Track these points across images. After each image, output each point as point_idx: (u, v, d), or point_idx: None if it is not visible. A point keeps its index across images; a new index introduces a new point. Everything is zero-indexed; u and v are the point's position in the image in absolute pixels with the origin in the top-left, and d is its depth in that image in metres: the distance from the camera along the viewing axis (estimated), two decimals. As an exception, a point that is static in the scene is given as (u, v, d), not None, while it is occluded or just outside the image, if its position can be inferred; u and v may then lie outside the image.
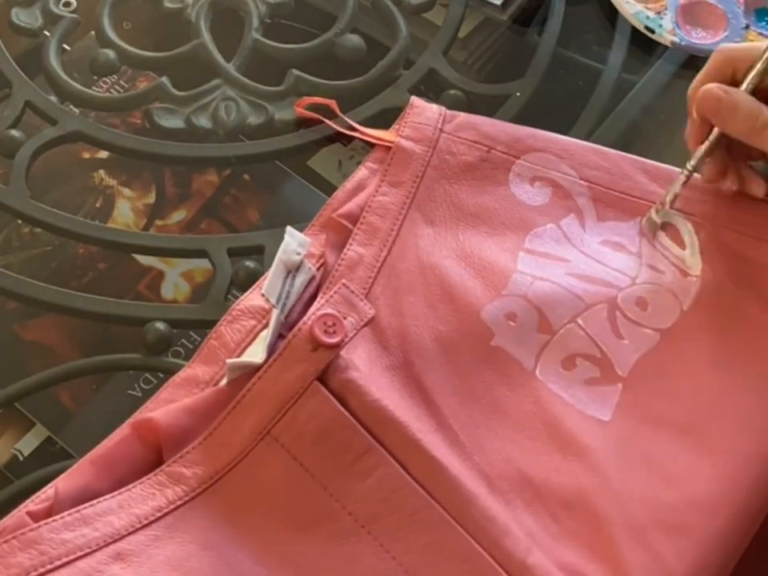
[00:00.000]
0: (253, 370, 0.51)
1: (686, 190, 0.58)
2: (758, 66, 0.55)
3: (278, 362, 0.51)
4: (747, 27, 0.69)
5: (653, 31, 0.69)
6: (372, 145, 0.62)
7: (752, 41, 0.69)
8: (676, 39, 0.69)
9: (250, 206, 0.65)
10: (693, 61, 0.69)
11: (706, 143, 0.57)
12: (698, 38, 0.69)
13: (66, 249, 0.63)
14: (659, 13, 0.70)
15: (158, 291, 0.61)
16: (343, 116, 0.65)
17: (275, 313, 0.52)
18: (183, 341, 0.59)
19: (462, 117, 0.62)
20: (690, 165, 0.58)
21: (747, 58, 0.56)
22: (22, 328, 0.60)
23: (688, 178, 0.58)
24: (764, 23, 0.70)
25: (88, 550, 0.47)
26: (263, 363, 0.51)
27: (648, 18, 0.70)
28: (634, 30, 0.70)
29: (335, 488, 0.50)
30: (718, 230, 0.58)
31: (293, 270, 0.54)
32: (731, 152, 0.58)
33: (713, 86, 0.56)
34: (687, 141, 0.59)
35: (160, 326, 0.59)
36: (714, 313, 0.56)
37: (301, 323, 0.52)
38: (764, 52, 0.55)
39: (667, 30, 0.69)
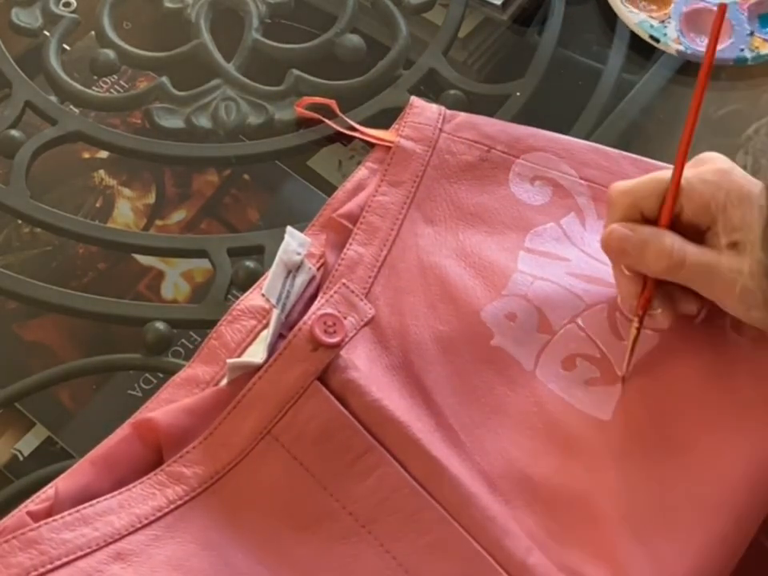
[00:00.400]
0: (253, 369, 0.51)
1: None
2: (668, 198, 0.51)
3: (278, 361, 0.51)
4: (752, 33, 0.69)
5: (657, 40, 0.68)
6: (372, 145, 0.62)
7: (757, 47, 0.68)
8: (681, 48, 0.68)
9: (250, 206, 0.65)
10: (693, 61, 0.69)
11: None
12: (704, 45, 0.69)
13: (66, 249, 0.63)
14: (663, 21, 0.69)
15: (158, 291, 0.61)
16: (343, 116, 0.65)
17: (275, 313, 0.52)
18: (183, 341, 0.59)
19: (462, 116, 0.62)
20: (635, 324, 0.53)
21: (652, 192, 0.52)
22: (21, 328, 0.60)
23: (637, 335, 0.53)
24: (766, 32, 0.69)
25: (88, 550, 0.47)
26: (263, 363, 0.51)
27: (652, 26, 0.69)
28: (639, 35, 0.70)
29: (335, 488, 0.50)
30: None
31: (293, 270, 0.54)
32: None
33: (616, 226, 0.51)
34: (621, 300, 0.54)
35: (160, 325, 0.59)
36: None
37: (301, 323, 0.52)
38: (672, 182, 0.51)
39: (672, 39, 0.69)
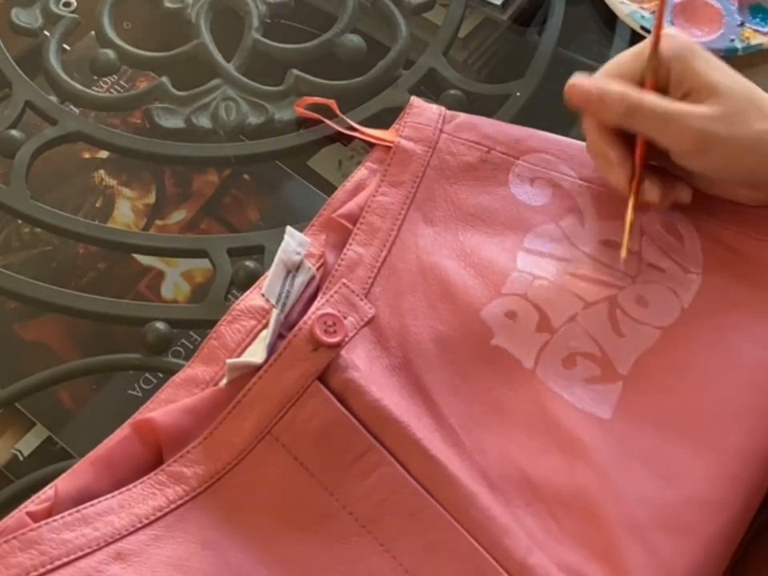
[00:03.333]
0: (253, 369, 0.51)
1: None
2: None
3: (278, 361, 0.51)
4: (742, 24, 0.69)
5: (649, 31, 0.69)
6: (372, 145, 0.62)
7: (748, 38, 0.69)
8: None
9: (250, 206, 0.65)
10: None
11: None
12: (694, 36, 0.69)
13: (66, 249, 0.63)
14: (654, 12, 0.70)
15: (158, 291, 0.61)
16: (343, 116, 0.65)
17: (275, 313, 0.52)
18: (183, 341, 0.59)
19: (462, 117, 0.62)
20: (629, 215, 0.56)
21: (626, 64, 0.57)
22: (22, 328, 0.60)
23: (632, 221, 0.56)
24: (758, 19, 0.70)
25: (88, 550, 0.47)
26: (263, 363, 0.51)
27: (643, 17, 0.70)
28: (634, 29, 0.70)
29: (336, 488, 0.50)
30: (718, 230, 0.58)
31: (293, 270, 0.54)
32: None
33: (580, 78, 0.56)
34: (614, 184, 0.57)
35: (160, 325, 0.59)
36: (715, 310, 0.56)
37: (301, 323, 0.52)
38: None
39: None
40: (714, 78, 0.55)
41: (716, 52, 0.68)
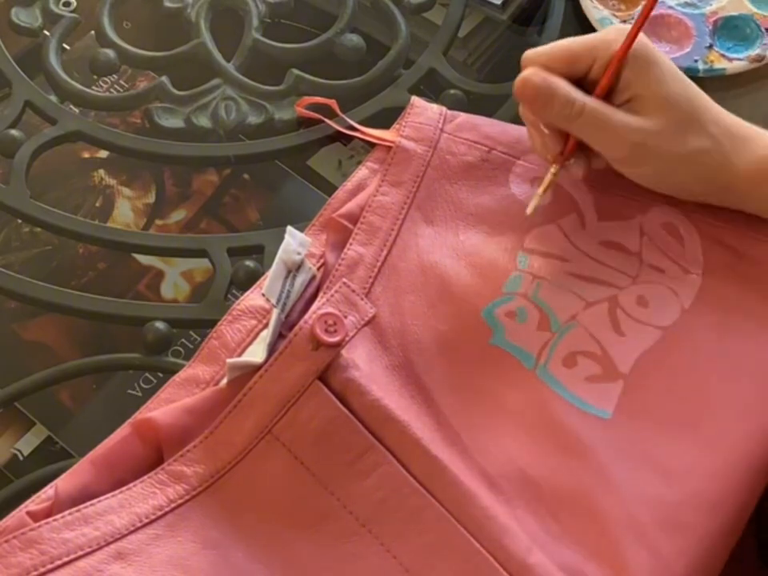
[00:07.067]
0: (253, 369, 0.51)
1: None
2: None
3: (278, 361, 0.51)
4: (711, 47, 0.69)
5: None
6: (372, 144, 0.62)
7: (712, 61, 0.68)
8: None
9: (249, 206, 0.65)
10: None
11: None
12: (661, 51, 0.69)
13: (66, 249, 0.63)
14: (625, 21, 0.70)
15: (157, 291, 0.61)
16: (343, 116, 0.65)
17: (275, 312, 0.52)
18: (183, 341, 0.59)
19: (463, 117, 0.62)
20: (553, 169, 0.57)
21: (564, 57, 0.56)
22: (21, 328, 0.60)
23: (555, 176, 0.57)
24: (726, 48, 0.69)
25: (89, 550, 0.47)
26: (264, 363, 0.51)
27: (612, 24, 0.69)
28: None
29: (336, 487, 0.50)
30: (718, 230, 0.58)
31: (293, 270, 0.54)
32: None
33: (532, 74, 0.55)
34: (538, 153, 0.58)
35: (160, 325, 0.59)
36: (715, 310, 0.56)
37: (302, 322, 0.52)
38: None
39: None
40: (663, 90, 0.54)
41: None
